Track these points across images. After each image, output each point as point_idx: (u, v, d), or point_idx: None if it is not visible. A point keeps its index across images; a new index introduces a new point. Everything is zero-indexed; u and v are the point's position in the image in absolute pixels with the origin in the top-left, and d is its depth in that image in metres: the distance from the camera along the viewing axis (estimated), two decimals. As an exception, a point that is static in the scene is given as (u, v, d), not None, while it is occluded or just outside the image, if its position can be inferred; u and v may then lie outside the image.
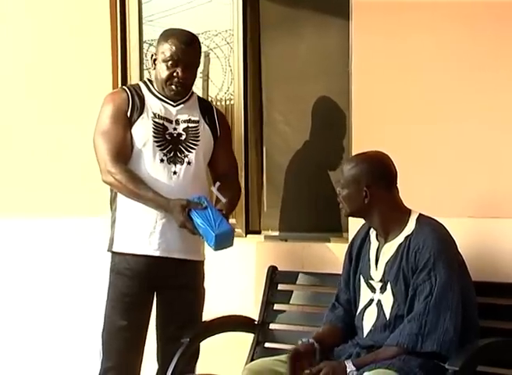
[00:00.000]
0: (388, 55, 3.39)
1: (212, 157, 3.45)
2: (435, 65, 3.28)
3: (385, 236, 2.90)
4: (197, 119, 3.36)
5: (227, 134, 3.52)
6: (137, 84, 3.42)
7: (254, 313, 3.46)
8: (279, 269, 3.52)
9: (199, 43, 3.38)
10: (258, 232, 4.02)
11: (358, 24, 3.47)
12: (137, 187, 3.21)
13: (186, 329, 3.27)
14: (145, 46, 4.39)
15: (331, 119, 3.85)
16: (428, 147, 3.28)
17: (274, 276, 3.49)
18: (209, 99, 4.33)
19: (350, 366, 2.72)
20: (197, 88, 4.34)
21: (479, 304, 2.86)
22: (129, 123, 3.28)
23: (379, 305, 2.86)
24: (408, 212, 2.89)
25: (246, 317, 3.45)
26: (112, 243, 3.34)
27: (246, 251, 3.90)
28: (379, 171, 2.88)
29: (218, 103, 4.27)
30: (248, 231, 4.00)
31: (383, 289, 2.86)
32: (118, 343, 3.34)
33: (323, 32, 3.87)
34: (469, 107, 3.20)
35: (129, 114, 3.29)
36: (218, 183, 3.31)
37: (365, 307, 2.92)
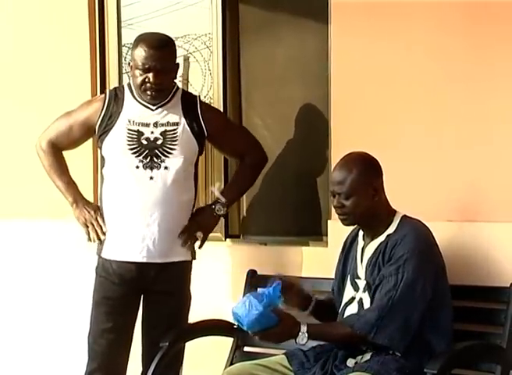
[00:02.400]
0: (367, 59, 3.40)
1: (221, 149, 3.51)
2: (414, 68, 3.29)
3: (371, 235, 2.91)
4: (176, 121, 3.32)
5: (221, 124, 3.45)
6: (122, 87, 3.42)
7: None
8: (259, 273, 3.52)
9: (172, 45, 3.33)
10: (238, 236, 4.02)
11: (337, 28, 3.48)
12: (53, 171, 3.42)
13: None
14: (124, 49, 4.37)
15: (310, 124, 3.85)
16: (407, 150, 3.30)
17: (253, 280, 3.49)
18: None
19: (303, 329, 2.74)
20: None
21: (456, 307, 2.88)
22: (91, 132, 3.36)
23: (360, 303, 2.88)
24: (394, 212, 2.91)
25: (225, 321, 3.44)
26: (102, 248, 3.35)
27: (225, 255, 3.90)
28: (375, 167, 2.89)
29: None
30: (227, 235, 3.99)
31: (366, 288, 2.87)
32: (103, 345, 3.34)
33: (302, 36, 3.88)
34: (449, 110, 3.22)
35: (98, 124, 3.32)
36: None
37: (346, 305, 2.94)
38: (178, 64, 3.36)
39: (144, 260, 3.27)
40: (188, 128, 3.32)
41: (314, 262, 3.51)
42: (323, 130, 3.67)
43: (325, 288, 3.20)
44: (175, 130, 3.31)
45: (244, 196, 3.97)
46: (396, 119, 3.34)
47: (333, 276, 3.10)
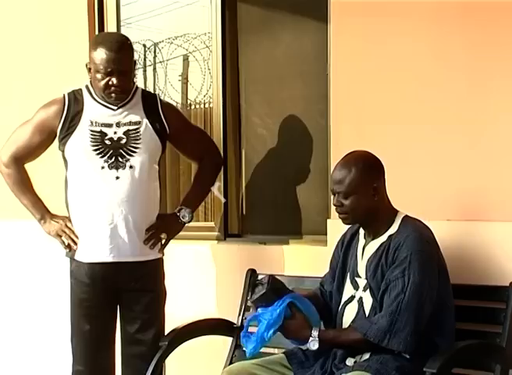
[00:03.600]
0: (366, 58, 3.40)
1: (180, 149, 3.50)
2: (413, 67, 3.29)
3: (372, 234, 2.90)
4: (138, 120, 3.31)
5: (181, 122, 3.45)
6: (80, 90, 3.37)
7: (233, 316, 3.46)
8: (258, 272, 3.52)
9: (130, 45, 3.31)
10: (237, 235, 4.02)
11: (336, 27, 3.48)
12: (16, 189, 3.41)
13: (145, 331, 3.31)
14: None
15: (309, 123, 3.85)
16: (406, 149, 3.30)
17: (253, 279, 3.49)
18: (188, 102, 4.34)
19: (314, 334, 2.75)
20: (177, 91, 4.35)
21: (455, 306, 2.87)
22: (52, 136, 3.32)
23: (360, 302, 2.87)
24: (395, 212, 2.90)
25: (225, 320, 3.45)
26: (74, 251, 3.35)
27: (225, 254, 3.90)
28: (377, 166, 2.88)
29: (198, 106, 4.27)
30: (227, 234, 4.00)
31: (367, 287, 2.86)
32: (85, 346, 3.37)
33: (301, 35, 3.87)
34: (447, 109, 3.22)
35: (59, 127, 3.29)
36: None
37: (346, 303, 2.93)
38: (135, 62, 3.35)
39: (115, 260, 3.28)
40: (150, 126, 3.32)
41: (314, 261, 3.51)
42: (322, 129, 3.67)
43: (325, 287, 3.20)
44: (137, 128, 3.30)
45: (244, 195, 3.98)
46: (396, 119, 3.34)
47: (332, 276, 3.10)
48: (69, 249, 3.34)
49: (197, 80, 4.22)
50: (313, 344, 2.77)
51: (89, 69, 3.27)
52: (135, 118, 3.31)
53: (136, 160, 3.27)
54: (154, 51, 4.44)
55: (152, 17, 4.36)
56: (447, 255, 2.90)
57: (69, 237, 3.32)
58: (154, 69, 4.45)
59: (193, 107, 4.31)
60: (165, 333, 3.31)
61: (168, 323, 3.39)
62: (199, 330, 3.37)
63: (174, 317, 3.44)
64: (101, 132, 3.27)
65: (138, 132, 3.30)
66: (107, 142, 3.27)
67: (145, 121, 3.31)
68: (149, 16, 4.38)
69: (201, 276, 3.91)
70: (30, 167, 3.47)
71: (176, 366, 3.57)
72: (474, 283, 3.04)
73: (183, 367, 3.60)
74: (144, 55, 4.47)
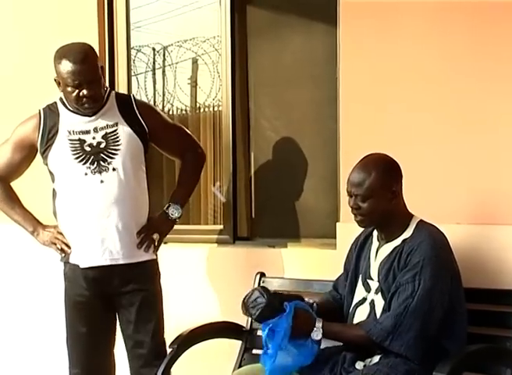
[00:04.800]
0: (376, 61, 3.40)
1: (161, 147, 3.49)
2: (424, 69, 3.29)
3: (386, 237, 2.89)
4: (115, 122, 3.31)
5: (158, 120, 3.42)
6: (55, 103, 3.39)
7: (242, 320, 3.45)
8: (267, 275, 3.51)
9: (93, 52, 3.29)
10: (246, 238, 4.01)
11: (346, 30, 3.48)
12: (5, 207, 3.45)
13: (141, 332, 3.33)
14: (133, 52, 4.38)
15: (319, 126, 3.85)
16: (417, 153, 3.29)
17: (262, 282, 3.48)
18: (197, 105, 4.34)
19: (318, 325, 2.75)
20: (186, 95, 4.35)
21: (467, 310, 2.86)
22: (33, 151, 3.35)
23: (372, 304, 2.86)
24: (410, 216, 2.88)
25: (234, 323, 3.44)
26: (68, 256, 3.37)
27: (234, 257, 3.90)
28: (396, 170, 2.87)
29: (207, 109, 4.28)
30: (236, 237, 3.99)
31: (378, 290, 2.85)
32: (81, 349, 3.38)
33: (311, 38, 3.87)
34: (459, 113, 3.21)
35: (39, 141, 3.32)
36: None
37: (356, 305, 2.92)
38: (102, 67, 3.34)
39: (107, 263, 3.29)
40: (128, 127, 3.32)
41: (323, 265, 3.50)
42: (331, 133, 3.67)
43: (339, 291, 3.19)
44: (115, 130, 3.30)
45: (253, 198, 3.98)
46: (406, 122, 3.33)
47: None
48: (64, 254, 3.36)
49: (206, 83, 4.22)
50: (316, 335, 2.76)
51: (58, 83, 3.27)
52: (111, 121, 3.31)
53: (118, 162, 3.28)
54: (164, 55, 4.44)
55: (161, 21, 4.37)
56: (458, 258, 2.89)
57: (62, 242, 3.35)
58: (164, 72, 4.46)
59: (202, 110, 4.31)
60: (174, 337, 3.31)
61: (176, 327, 3.38)
62: (208, 333, 3.36)
63: (182, 320, 3.44)
64: (79, 140, 3.29)
65: (116, 134, 3.30)
66: (87, 148, 3.28)
67: (122, 123, 3.32)
68: (158, 19, 4.39)
69: (210, 279, 3.91)
70: (17, 182, 3.49)
71: (181, 371, 3.55)
72: (485, 286, 3.02)
73: (191, 371, 3.59)
74: (154, 58, 4.48)
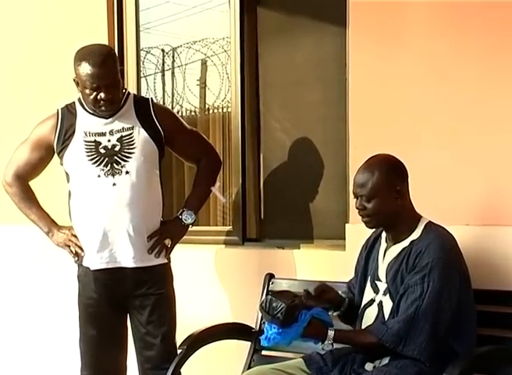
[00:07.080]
0: (385, 62, 3.40)
1: (177, 152, 3.50)
2: (433, 71, 3.28)
3: (394, 238, 2.88)
4: (131, 125, 3.31)
5: (174, 125, 3.42)
6: (73, 103, 3.40)
7: (251, 321, 3.45)
8: (276, 276, 3.51)
9: (113, 55, 3.30)
10: (255, 240, 4.01)
11: (355, 32, 3.48)
12: (23, 206, 3.46)
13: (153, 335, 3.33)
14: (142, 53, 4.39)
15: (328, 127, 3.85)
16: (426, 153, 3.28)
17: (271, 283, 3.49)
18: (206, 107, 4.35)
19: (329, 335, 2.75)
20: (195, 96, 4.36)
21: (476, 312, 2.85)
22: (50, 151, 3.37)
23: (380, 306, 2.86)
24: (419, 217, 2.88)
25: (243, 325, 3.44)
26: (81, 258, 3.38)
27: (243, 258, 3.90)
28: (400, 169, 2.87)
29: (216, 110, 4.28)
30: (245, 239, 4.00)
31: (387, 291, 2.85)
32: (92, 351, 3.40)
33: (320, 40, 3.87)
34: (466, 115, 3.20)
35: (55, 142, 3.33)
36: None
37: (365, 307, 2.92)
38: (122, 69, 3.36)
39: (117, 266, 3.29)
40: (143, 130, 3.32)
41: (332, 266, 3.50)
42: (340, 134, 3.66)
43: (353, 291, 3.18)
44: (131, 134, 3.31)
45: (262, 200, 3.98)
46: (415, 123, 3.33)
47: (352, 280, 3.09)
48: (77, 257, 3.37)
49: (215, 84, 4.23)
50: (327, 346, 2.77)
51: (77, 83, 3.28)
52: (128, 124, 3.31)
53: (131, 165, 3.28)
54: (173, 56, 4.45)
55: (171, 22, 4.37)
56: (467, 260, 2.88)
57: (76, 245, 3.35)
58: (173, 73, 4.47)
59: (211, 111, 4.31)
60: (183, 338, 3.31)
61: (185, 328, 3.38)
62: (217, 334, 3.36)
63: (192, 322, 3.44)
64: (95, 142, 3.30)
65: (132, 137, 3.30)
66: (101, 151, 3.29)
67: (138, 125, 3.31)
68: (168, 20, 4.40)
69: (219, 280, 3.91)
70: (35, 182, 3.51)
71: (191, 372, 3.56)
72: (494, 288, 3.02)
73: (200, 373, 3.59)
74: (163, 59, 4.48)
